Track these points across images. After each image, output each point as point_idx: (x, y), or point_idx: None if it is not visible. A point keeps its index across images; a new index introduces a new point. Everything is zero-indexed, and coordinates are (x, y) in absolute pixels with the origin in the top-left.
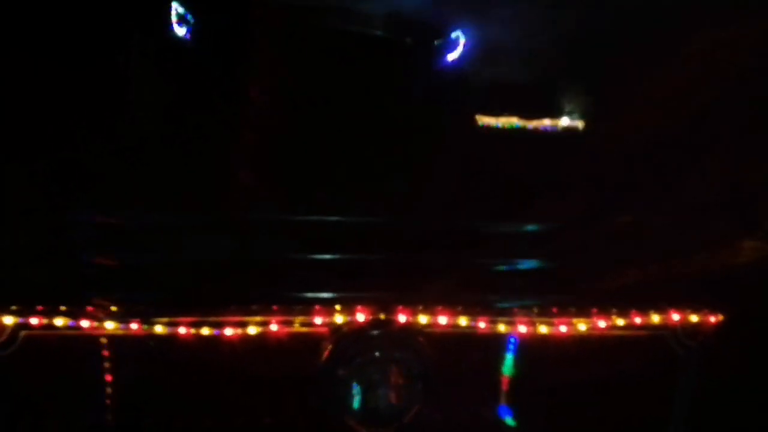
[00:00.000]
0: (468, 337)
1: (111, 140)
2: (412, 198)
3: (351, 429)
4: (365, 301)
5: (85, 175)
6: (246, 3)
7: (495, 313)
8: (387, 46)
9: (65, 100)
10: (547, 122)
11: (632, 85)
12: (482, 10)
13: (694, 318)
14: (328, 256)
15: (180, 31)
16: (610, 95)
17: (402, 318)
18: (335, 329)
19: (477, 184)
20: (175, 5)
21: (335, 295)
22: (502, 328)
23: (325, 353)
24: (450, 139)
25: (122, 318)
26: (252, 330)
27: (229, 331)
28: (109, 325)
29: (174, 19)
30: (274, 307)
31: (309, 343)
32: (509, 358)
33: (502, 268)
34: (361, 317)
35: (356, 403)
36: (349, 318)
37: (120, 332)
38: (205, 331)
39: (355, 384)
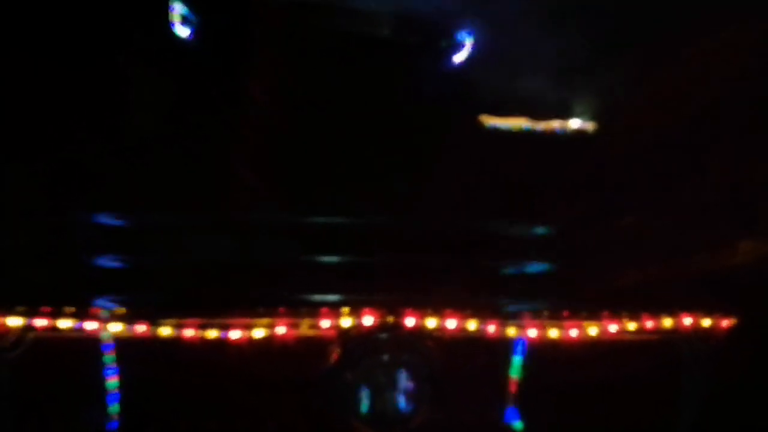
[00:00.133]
0: (477, 340)
1: (116, 141)
2: (421, 200)
3: None
4: (373, 304)
5: (91, 177)
6: (249, 3)
7: (504, 317)
8: (392, 46)
9: (70, 102)
10: (554, 124)
11: (638, 87)
12: (489, 12)
13: (706, 322)
14: (335, 259)
15: (183, 31)
16: (616, 97)
17: (410, 321)
18: (342, 332)
19: (486, 186)
20: (177, 5)
21: (342, 297)
22: (511, 331)
23: (333, 356)
24: (458, 141)
25: (128, 320)
26: (258, 333)
27: (235, 334)
28: (116, 327)
29: (177, 19)
30: (281, 310)
31: (316, 346)
32: (518, 362)
33: (511, 271)
34: (368, 320)
35: (364, 406)
36: (356, 321)
37: (126, 334)
38: (212, 333)
39: (362, 387)
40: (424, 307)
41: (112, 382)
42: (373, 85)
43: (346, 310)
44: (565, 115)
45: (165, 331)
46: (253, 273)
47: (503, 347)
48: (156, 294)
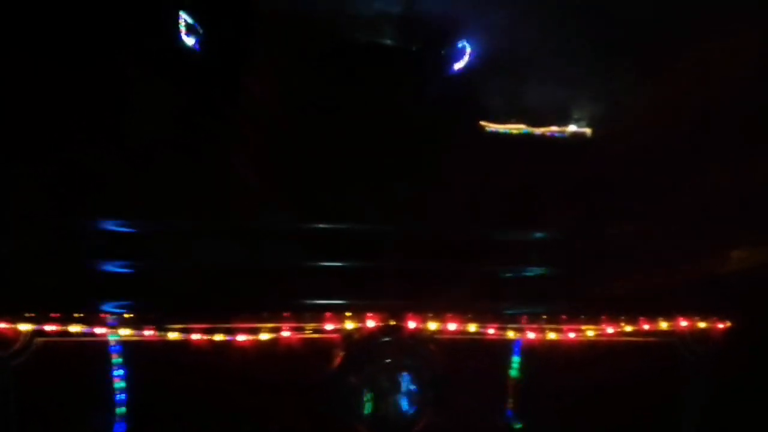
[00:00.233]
0: (478, 343)
1: (125, 149)
2: (422, 206)
3: None
4: (376, 308)
5: (100, 183)
6: (254, 12)
7: (504, 320)
8: (395, 54)
9: (82, 111)
10: (555, 130)
11: (637, 95)
12: (489, 19)
13: (702, 325)
14: (339, 264)
15: (189, 40)
16: (616, 105)
17: (412, 325)
18: (346, 335)
19: (486, 193)
20: (183, 15)
21: (346, 301)
22: (511, 334)
23: (336, 360)
24: (459, 147)
25: (136, 325)
26: (264, 336)
27: (240, 338)
28: (123, 332)
29: (183, 29)
30: (286, 314)
31: (320, 349)
32: (518, 364)
33: (512, 275)
34: (371, 324)
35: (367, 409)
36: (359, 324)
37: (134, 339)
38: (218, 337)
39: (365, 391)
40: (425, 311)
41: (119, 385)
42: (376, 93)
43: (349, 313)
44: (564, 122)
45: (172, 335)
46: (258, 278)
47: (503, 350)
48: (163, 299)
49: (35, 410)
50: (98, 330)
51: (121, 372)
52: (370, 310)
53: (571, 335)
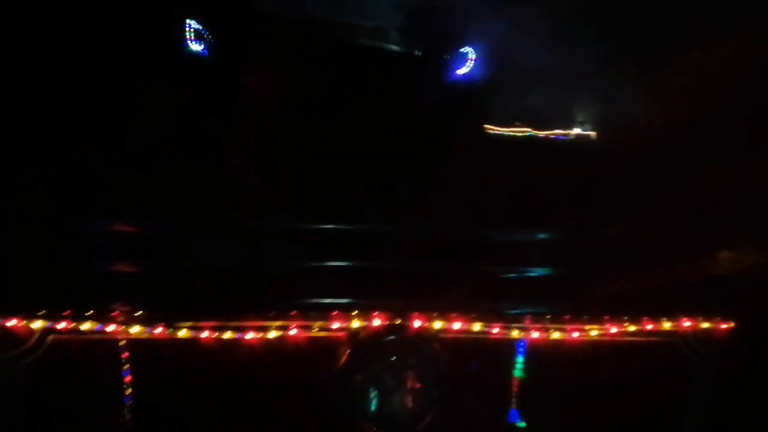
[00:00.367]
0: (482, 343)
1: (137, 151)
2: (428, 207)
3: None
4: (381, 307)
5: (113, 185)
6: (260, 17)
7: (508, 320)
8: (399, 59)
9: (91, 115)
10: (556, 133)
11: (638, 99)
12: (492, 26)
13: (704, 325)
14: (345, 264)
15: (195, 46)
16: (617, 108)
17: (417, 324)
18: (352, 334)
19: (490, 193)
20: (190, 22)
21: (352, 301)
22: (515, 334)
23: (342, 358)
24: (463, 149)
25: (145, 323)
26: (271, 335)
27: (248, 336)
28: (133, 330)
29: (189, 35)
30: (293, 313)
31: (326, 347)
32: (522, 364)
33: (515, 275)
34: (377, 323)
35: (372, 407)
36: (365, 323)
37: (143, 337)
38: (226, 335)
39: (371, 389)
40: (430, 311)
41: (129, 383)
42: (380, 97)
43: (355, 312)
44: (566, 124)
45: (180, 333)
46: (266, 277)
47: (507, 349)
48: (173, 297)
49: (46, 407)
50: (109, 328)
51: (130, 371)
52: (375, 310)
53: (575, 335)
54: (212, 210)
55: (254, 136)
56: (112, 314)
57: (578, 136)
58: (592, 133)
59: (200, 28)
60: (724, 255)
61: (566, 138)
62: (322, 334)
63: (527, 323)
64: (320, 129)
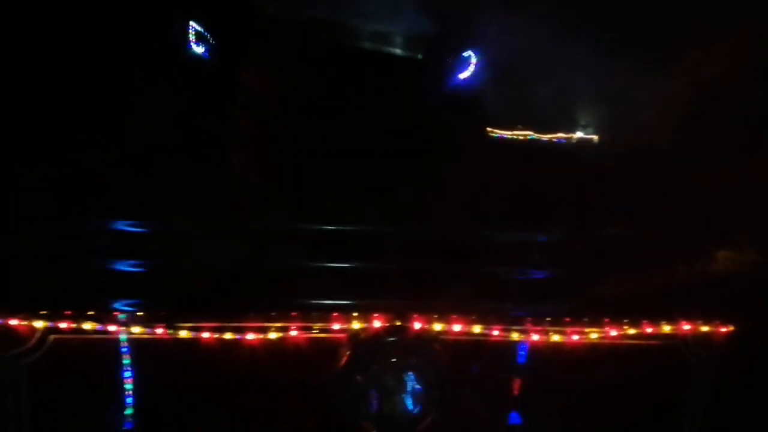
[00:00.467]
0: (482, 344)
1: (139, 150)
2: (428, 208)
3: None
4: (382, 309)
5: (113, 185)
6: (261, 20)
7: (508, 322)
8: (401, 61)
9: (93, 114)
10: (556, 136)
11: (641, 97)
12: (493, 30)
13: (704, 328)
14: (346, 265)
15: (197, 48)
16: (617, 110)
17: (417, 325)
18: (353, 335)
19: (491, 196)
20: (192, 23)
21: (353, 302)
22: (515, 336)
23: (343, 359)
24: (464, 151)
25: (147, 323)
26: (272, 336)
27: (249, 337)
28: (135, 330)
29: (192, 37)
30: (294, 314)
31: (327, 348)
32: (522, 366)
33: (516, 277)
34: (377, 324)
35: (373, 408)
36: (366, 324)
37: (144, 337)
38: (226, 336)
39: (372, 390)
40: (430, 312)
41: (129, 383)
42: (382, 99)
43: (356, 314)
44: (567, 126)
45: (182, 333)
46: (267, 278)
47: (508, 351)
48: (174, 298)
49: (47, 407)
50: (110, 327)
51: (131, 370)
52: (376, 311)
53: (575, 337)
54: (213, 210)
55: (255, 137)
56: (114, 314)
57: (580, 139)
58: (594, 136)
59: (202, 30)
60: (724, 257)
61: (567, 141)
62: (323, 335)
63: (527, 325)
64: (321, 130)
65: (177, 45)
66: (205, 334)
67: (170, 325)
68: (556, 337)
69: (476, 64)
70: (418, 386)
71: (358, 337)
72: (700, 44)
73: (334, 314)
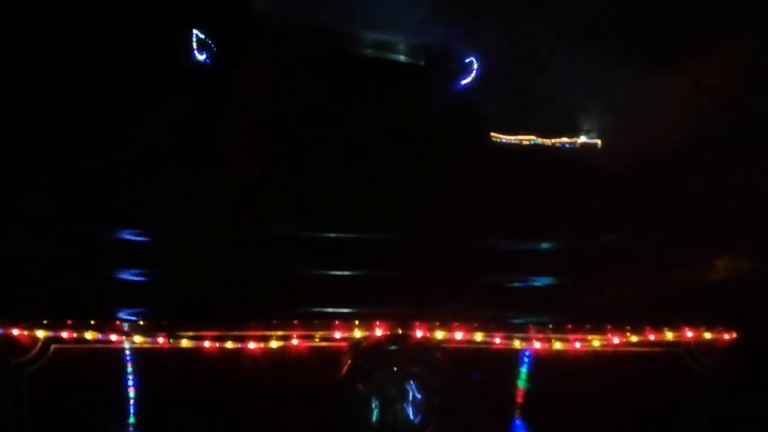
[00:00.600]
0: (484, 352)
1: (140, 159)
2: (430, 216)
3: None
4: (383, 317)
5: (114, 193)
6: (265, 28)
7: (510, 329)
8: (404, 68)
9: (97, 122)
10: (561, 142)
11: (644, 104)
12: (494, 37)
13: (707, 335)
14: (347, 273)
15: (202, 57)
16: (622, 115)
17: (419, 333)
18: (354, 343)
19: (492, 204)
20: (196, 32)
21: (354, 310)
22: (517, 343)
23: (344, 368)
24: (466, 159)
25: (148, 332)
26: (273, 344)
27: (251, 345)
28: (137, 339)
29: (195, 42)
30: (295, 322)
31: (328, 357)
32: (524, 373)
33: (518, 285)
34: (379, 332)
35: (374, 417)
36: (367, 333)
37: (146, 346)
38: (228, 344)
39: (373, 399)
40: (432, 320)
41: (131, 391)
42: (384, 107)
43: (357, 322)
44: (569, 134)
45: (183, 342)
46: (268, 286)
47: (510, 359)
48: (176, 306)
49: (49, 416)
50: (112, 336)
51: (133, 379)
52: (378, 319)
53: (577, 345)
54: (215, 219)
55: (258, 145)
56: (116, 323)
57: (583, 144)
58: (597, 141)
59: (207, 39)
60: (726, 265)
61: (570, 146)
62: (325, 343)
63: (530, 333)
64: (324, 138)
65: (183, 53)
66: (207, 343)
67: (172, 334)
68: (558, 345)
69: (478, 70)
70: (419, 395)
71: (359, 345)
72: (702, 50)
73: (336, 322)
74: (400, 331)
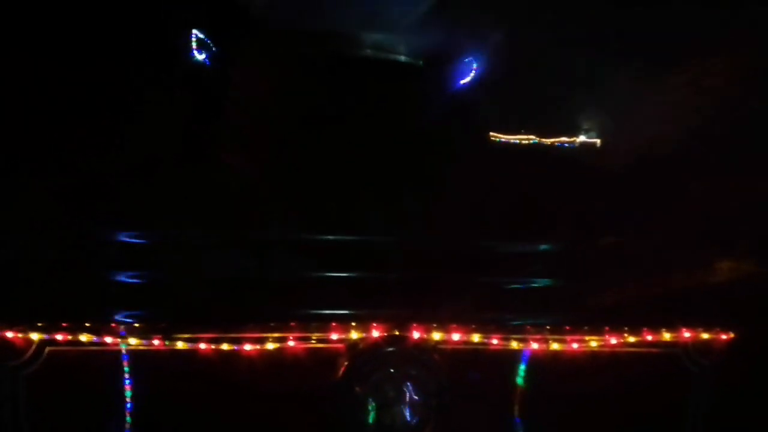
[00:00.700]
0: (481, 354)
1: (137, 160)
2: (427, 217)
3: None
4: (380, 318)
5: (110, 194)
6: (264, 29)
7: (508, 331)
8: (403, 68)
9: (94, 122)
10: (560, 142)
11: (643, 105)
12: (494, 36)
13: (705, 336)
14: (344, 274)
15: (201, 60)
16: (621, 115)
17: (416, 335)
18: (351, 345)
19: (491, 204)
20: (195, 32)
21: (351, 311)
22: (515, 345)
23: (341, 370)
24: (464, 160)
25: (144, 334)
26: (270, 346)
27: (247, 347)
28: (132, 341)
29: (195, 43)
30: (292, 324)
31: (325, 359)
32: (522, 375)
33: (515, 286)
34: (376, 334)
35: (371, 419)
36: (364, 334)
37: (142, 348)
38: (224, 347)
39: (370, 401)
40: (430, 322)
41: (127, 393)
42: (384, 107)
43: (354, 323)
44: (568, 134)
45: (180, 344)
46: (265, 288)
47: (508, 360)
48: (171, 308)
49: (45, 419)
50: (108, 339)
51: (129, 382)
52: (375, 320)
53: (575, 346)
54: (212, 220)
55: (256, 146)
56: (112, 325)
57: (582, 143)
58: (597, 141)
59: (206, 38)
60: (724, 265)
61: (569, 146)
62: (321, 345)
63: (527, 334)
64: (323, 138)
65: (182, 56)
66: (203, 345)
67: (168, 336)
68: (555, 346)
69: (477, 70)
70: (416, 396)
71: (356, 347)
72: (703, 50)
73: (333, 324)
74: (397, 333)
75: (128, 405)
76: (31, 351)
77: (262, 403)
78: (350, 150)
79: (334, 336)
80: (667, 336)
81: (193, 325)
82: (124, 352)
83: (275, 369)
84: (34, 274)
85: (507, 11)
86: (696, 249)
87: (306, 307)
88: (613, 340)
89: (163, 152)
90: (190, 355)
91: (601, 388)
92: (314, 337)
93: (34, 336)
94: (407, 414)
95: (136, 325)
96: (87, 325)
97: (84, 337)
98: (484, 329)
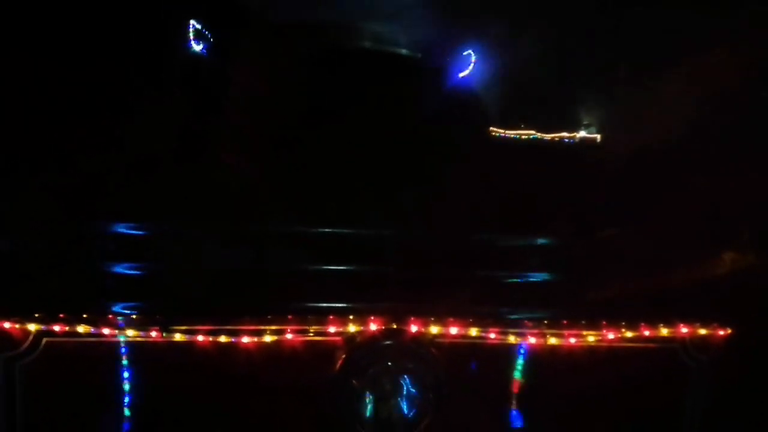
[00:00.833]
0: (479, 347)
1: (133, 152)
2: (425, 211)
3: None
4: (378, 312)
5: (108, 186)
6: (262, 21)
7: (505, 325)
8: (401, 62)
9: (89, 114)
10: (559, 136)
11: (642, 99)
12: (493, 29)
13: (702, 331)
14: (342, 267)
15: (197, 52)
16: (616, 113)
17: (414, 328)
18: (348, 338)
19: (488, 198)
20: (192, 22)
21: (349, 305)
22: (512, 339)
23: (339, 363)
24: (463, 153)
25: (142, 326)
26: (267, 339)
27: (245, 340)
28: (130, 333)
29: (191, 35)
30: (289, 317)
31: (323, 352)
32: (519, 369)
33: (513, 280)
34: (373, 327)
35: (369, 412)
36: (362, 328)
37: (140, 340)
38: (222, 339)
39: (368, 394)
40: (427, 315)
41: (125, 385)
42: (382, 100)
43: (352, 317)
44: (566, 128)
45: (177, 336)
46: (262, 280)
47: (505, 354)
48: (169, 300)
49: (42, 410)
50: (105, 330)
51: (127, 374)
52: (372, 314)
53: (572, 340)
54: (209, 213)
55: (254, 139)
56: (109, 317)
57: (582, 138)
58: (597, 136)
59: (204, 32)
60: (722, 260)
61: (565, 142)
62: (319, 338)
63: (525, 328)
64: (321, 132)
65: (178, 48)
66: (201, 337)
67: (165, 328)
68: (553, 340)
69: (475, 64)
70: (414, 390)
71: (354, 340)
72: (704, 46)
73: (330, 317)
74: (394, 326)
75: (125, 396)
76: (28, 342)
77: (260, 396)
78: (348, 143)
79: (332, 329)
80: (664, 331)
81: (191, 317)
82: (121, 343)
83: (273, 361)
84: (31, 266)
85: (506, 2)
86: (694, 244)
87: (304, 300)
88: (611, 335)
89: (160, 144)
90: (188, 347)
91: (599, 382)
92: (312, 330)
93: (32, 327)
94: (404, 407)
95: (134, 316)
96: (84, 316)
97: (81, 329)
98: (482, 323)
